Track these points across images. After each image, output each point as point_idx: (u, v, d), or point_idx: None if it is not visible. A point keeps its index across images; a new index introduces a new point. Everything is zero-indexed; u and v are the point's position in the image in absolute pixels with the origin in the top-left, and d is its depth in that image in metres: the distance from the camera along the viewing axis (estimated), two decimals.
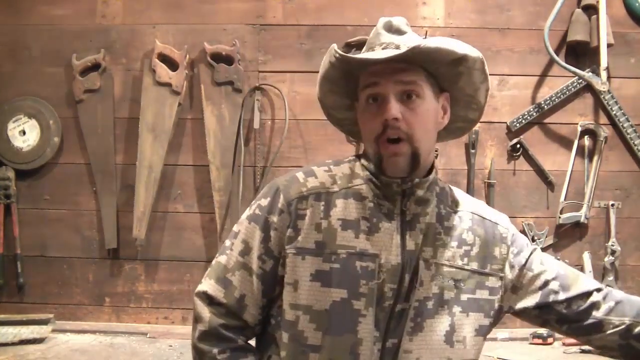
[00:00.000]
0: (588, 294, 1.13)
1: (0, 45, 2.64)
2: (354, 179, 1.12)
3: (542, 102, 2.56)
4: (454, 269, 1.09)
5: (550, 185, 2.58)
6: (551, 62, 2.54)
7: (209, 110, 2.55)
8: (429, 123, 1.09)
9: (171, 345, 2.28)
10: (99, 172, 2.58)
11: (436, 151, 2.38)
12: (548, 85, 2.58)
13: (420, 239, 1.08)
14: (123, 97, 2.61)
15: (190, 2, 2.62)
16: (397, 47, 1.08)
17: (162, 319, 2.56)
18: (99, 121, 2.58)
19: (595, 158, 2.56)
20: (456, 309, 1.08)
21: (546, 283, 1.13)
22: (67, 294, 2.57)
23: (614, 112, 2.55)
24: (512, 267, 1.14)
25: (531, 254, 1.16)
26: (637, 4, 2.57)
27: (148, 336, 2.41)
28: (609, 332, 1.11)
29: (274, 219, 1.09)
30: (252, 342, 1.16)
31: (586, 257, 2.53)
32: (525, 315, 1.16)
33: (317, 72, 1.15)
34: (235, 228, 1.14)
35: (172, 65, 2.55)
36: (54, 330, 2.40)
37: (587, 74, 2.51)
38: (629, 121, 2.55)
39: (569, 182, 2.55)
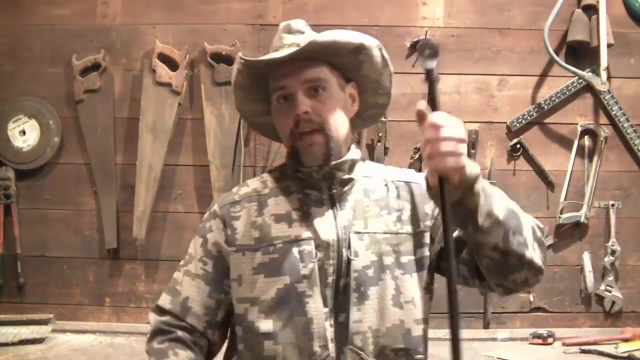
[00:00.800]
0: None
1: (1, 45, 2.64)
2: (283, 179, 1.21)
3: (542, 102, 2.56)
4: (389, 235, 1.15)
5: (550, 185, 2.58)
6: (551, 62, 2.54)
7: (209, 110, 2.55)
8: (339, 112, 1.16)
9: None
10: (99, 172, 2.58)
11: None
12: (548, 85, 2.58)
13: (351, 214, 1.15)
14: (123, 97, 2.61)
15: (190, 2, 2.62)
16: (298, 46, 1.13)
17: None
18: (99, 121, 2.58)
19: (595, 158, 2.56)
20: (398, 272, 1.13)
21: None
22: (67, 294, 2.57)
23: (614, 112, 2.55)
24: (434, 218, 1.19)
25: None
26: (637, 4, 2.57)
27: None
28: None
29: (209, 224, 1.20)
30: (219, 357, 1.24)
31: (586, 257, 2.53)
32: (439, 267, 1.19)
33: None
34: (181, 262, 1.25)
35: (172, 65, 2.55)
36: (54, 330, 2.40)
37: (587, 74, 2.51)
38: (629, 121, 2.55)
39: (569, 182, 2.55)
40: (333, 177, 1.15)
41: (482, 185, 0.99)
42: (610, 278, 2.52)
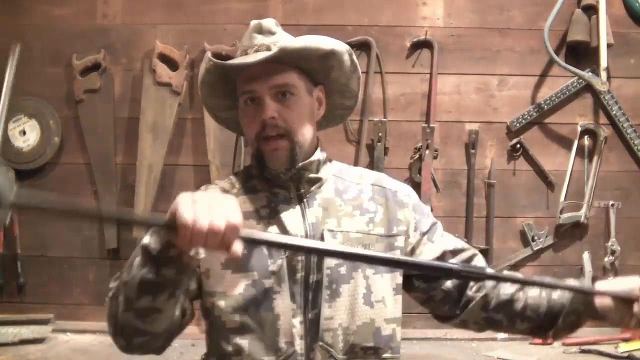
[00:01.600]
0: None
1: (0, 45, 2.63)
2: (249, 179, 1.21)
3: (542, 102, 2.56)
4: (361, 235, 1.16)
5: (550, 185, 2.58)
6: (551, 62, 2.54)
7: None
8: (305, 117, 1.16)
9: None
10: (99, 172, 2.58)
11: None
12: (548, 85, 2.58)
13: (320, 212, 1.16)
14: (123, 97, 2.61)
15: (190, 2, 2.62)
16: (268, 48, 1.13)
17: None
18: (99, 121, 2.58)
19: (595, 158, 2.56)
20: (369, 272, 1.14)
21: (444, 255, 1.21)
22: (67, 294, 2.57)
23: (614, 112, 2.55)
24: (415, 230, 1.21)
25: (434, 224, 1.24)
26: (637, 4, 2.57)
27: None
28: (472, 306, 1.19)
29: None
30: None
31: (586, 257, 2.53)
32: (412, 286, 1.22)
33: None
34: None
35: (172, 65, 2.55)
36: (54, 330, 2.40)
37: (587, 74, 2.51)
38: (628, 121, 2.55)
39: (569, 182, 2.55)
40: (301, 177, 1.16)
41: None
42: (611, 278, 2.52)
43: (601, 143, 2.55)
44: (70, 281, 2.58)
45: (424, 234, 1.21)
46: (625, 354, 2.18)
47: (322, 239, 1.13)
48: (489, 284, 1.19)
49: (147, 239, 0.99)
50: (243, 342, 1.08)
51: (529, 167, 2.58)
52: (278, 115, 1.12)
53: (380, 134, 2.52)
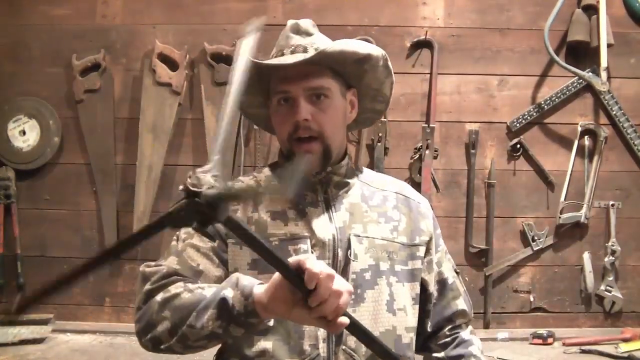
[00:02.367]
0: (450, 320, 1.25)
1: (0, 45, 2.63)
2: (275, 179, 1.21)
3: (542, 102, 2.56)
4: (386, 242, 1.16)
5: (550, 185, 2.58)
6: (551, 62, 2.54)
7: (209, 110, 2.55)
8: (338, 120, 1.17)
9: None
10: (99, 172, 2.58)
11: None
12: (548, 85, 2.58)
13: (347, 217, 1.16)
14: (123, 97, 2.61)
15: (190, 2, 2.62)
16: (305, 50, 1.14)
17: None
18: (99, 121, 2.58)
19: (595, 158, 2.56)
20: (393, 279, 1.14)
21: (440, 284, 1.24)
22: (67, 294, 2.57)
23: (614, 112, 2.55)
24: (437, 247, 1.24)
25: (445, 253, 1.28)
26: (637, 4, 2.57)
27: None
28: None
29: None
30: None
31: (586, 257, 2.53)
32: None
33: None
34: (174, 238, 1.20)
35: (172, 65, 2.55)
36: (54, 330, 2.40)
37: (587, 74, 2.51)
38: (629, 121, 2.55)
39: (569, 182, 2.55)
40: (329, 181, 1.17)
41: None
42: (610, 278, 2.52)
43: (601, 143, 2.54)
44: None
45: (438, 260, 1.24)
46: (625, 354, 2.18)
47: (349, 243, 1.12)
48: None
49: (228, 292, 0.97)
50: (267, 344, 1.08)
51: (529, 167, 2.58)
52: (312, 117, 1.11)
53: (380, 134, 2.52)
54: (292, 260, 0.87)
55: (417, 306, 1.18)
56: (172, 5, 2.62)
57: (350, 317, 0.91)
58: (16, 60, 2.63)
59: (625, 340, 2.31)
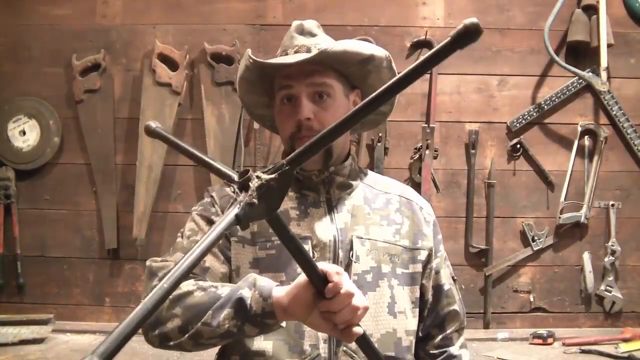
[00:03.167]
0: (441, 326, 1.23)
1: (0, 45, 2.63)
2: None
3: (542, 102, 2.56)
4: (388, 244, 1.16)
5: (550, 185, 2.58)
6: (551, 62, 2.54)
7: (209, 110, 2.55)
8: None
9: None
10: (99, 172, 2.58)
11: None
12: (548, 85, 2.58)
13: (349, 218, 1.16)
14: (123, 97, 2.61)
15: (190, 2, 2.62)
16: (309, 50, 1.14)
17: None
18: (99, 121, 2.58)
19: (595, 158, 2.56)
20: (394, 282, 1.15)
21: (436, 289, 1.23)
22: (67, 294, 2.57)
23: (614, 112, 2.55)
24: (437, 252, 1.23)
25: (445, 260, 1.26)
26: (637, 4, 2.57)
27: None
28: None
29: (213, 209, 1.18)
30: None
31: (586, 257, 2.53)
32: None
33: None
34: (178, 234, 1.21)
35: (172, 65, 2.55)
36: (54, 330, 2.40)
37: (587, 74, 2.51)
38: (629, 121, 2.55)
39: (569, 182, 2.55)
40: (332, 181, 1.17)
41: None
42: (610, 278, 2.52)
43: (601, 143, 2.55)
44: (70, 281, 2.58)
45: (437, 265, 1.23)
46: (625, 354, 2.17)
47: (350, 245, 1.13)
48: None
49: (246, 293, 0.97)
50: (268, 343, 1.08)
51: (529, 167, 2.58)
52: (314, 116, 1.12)
53: (380, 134, 2.52)
54: (321, 267, 0.88)
55: (417, 310, 1.18)
56: (172, 5, 2.62)
57: (364, 332, 0.92)
58: (16, 60, 2.63)
59: (625, 340, 2.31)
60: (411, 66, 0.64)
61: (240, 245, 1.14)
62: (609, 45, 2.48)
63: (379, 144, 2.53)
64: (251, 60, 1.14)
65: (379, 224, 1.18)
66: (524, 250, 2.56)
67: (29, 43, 2.62)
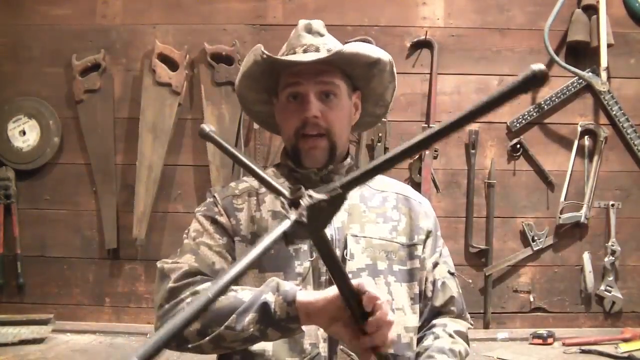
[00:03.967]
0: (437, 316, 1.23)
1: (0, 45, 2.63)
2: (278, 178, 1.22)
3: (542, 102, 2.56)
4: (384, 242, 1.17)
5: (550, 185, 2.58)
6: (551, 62, 2.54)
7: (209, 110, 2.55)
8: (345, 119, 1.19)
9: None
10: (99, 172, 2.58)
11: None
12: (548, 85, 2.58)
13: (345, 217, 1.16)
14: (123, 97, 2.61)
15: (190, 2, 2.62)
16: (317, 50, 1.16)
17: None
18: (99, 121, 2.58)
19: (595, 158, 2.56)
20: (391, 279, 1.15)
21: (432, 285, 1.22)
22: (67, 294, 2.57)
23: (614, 112, 2.55)
24: (435, 247, 1.23)
25: (443, 248, 1.27)
26: (637, 4, 2.57)
27: (148, 336, 2.41)
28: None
29: (216, 209, 1.19)
30: None
31: (586, 257, 2.53)
32: None
33: None
34: (184, 236, 1.22)
35: (172, 65, 2.55)
36: (54, 330, 2.40)
37: (587, 74, 2.51)
38: (629, 121, 2.55)
39: (569, 182, 2.55)
40: (330, 180, 1.18)
41: None
42: (610, 278, 2.52)
43: (601, 143, 2.54)
44: (70, 281, 2.58)
45: (435, 260, 1.23)
46: (625, 354, 2.17)
47: (345, 243, 1.13)
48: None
49: (270, 297, 0.98)
50: (268, 343, 1.08)
51: (529, 167, 2.58)
52: (321, 115, 1.14)
53: (380, 134, 2.52)
54: (355, 281, 0.87)
55: (416, 306, 1.18)
56: (172, 5, 2.62)
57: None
58: (16, 60, 2.63)
59: (625, 340, 2.31)
60: (484, 99, 0.64)
61: (243, 244, 1.15)
62: (609, 45, 2.47)
63: (379, 144, 2.53)
64: (264, 56, 1.14)
65: (374, 221, 1.18)
66: (524, 250, 2.56)
67: (29, 43, 2.62)
